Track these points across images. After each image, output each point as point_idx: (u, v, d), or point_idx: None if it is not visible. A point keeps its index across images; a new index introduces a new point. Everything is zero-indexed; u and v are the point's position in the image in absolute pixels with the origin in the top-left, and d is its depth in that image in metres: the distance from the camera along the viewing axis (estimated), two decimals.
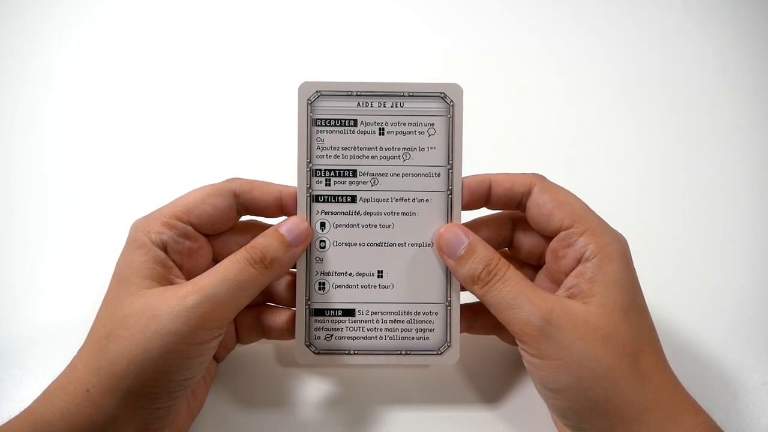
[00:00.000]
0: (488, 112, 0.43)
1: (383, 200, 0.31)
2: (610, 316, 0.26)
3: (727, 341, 0.36)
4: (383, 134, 0.30)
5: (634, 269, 0.28)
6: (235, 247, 0.29)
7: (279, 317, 0.32)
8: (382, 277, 0.31)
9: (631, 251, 0.29)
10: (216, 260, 0.31)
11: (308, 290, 0.31)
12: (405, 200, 0.31)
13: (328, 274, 0.31)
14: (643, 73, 0.47)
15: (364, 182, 0.31)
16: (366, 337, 0.31)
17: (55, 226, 0.40)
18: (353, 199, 0.31)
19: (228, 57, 0.48)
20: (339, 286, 0.31)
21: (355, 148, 0.30)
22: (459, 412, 0.33)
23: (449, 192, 0.30)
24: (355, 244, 0.31)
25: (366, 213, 0.31)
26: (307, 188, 0.31)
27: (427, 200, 0.30)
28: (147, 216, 0.30)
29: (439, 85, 0.30)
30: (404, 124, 0.30)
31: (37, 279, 0.38)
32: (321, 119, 0.30)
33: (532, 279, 0.32)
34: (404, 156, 0.30)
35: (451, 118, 0.30)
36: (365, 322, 0.31)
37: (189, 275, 0.29)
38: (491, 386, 0.34)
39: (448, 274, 0.31)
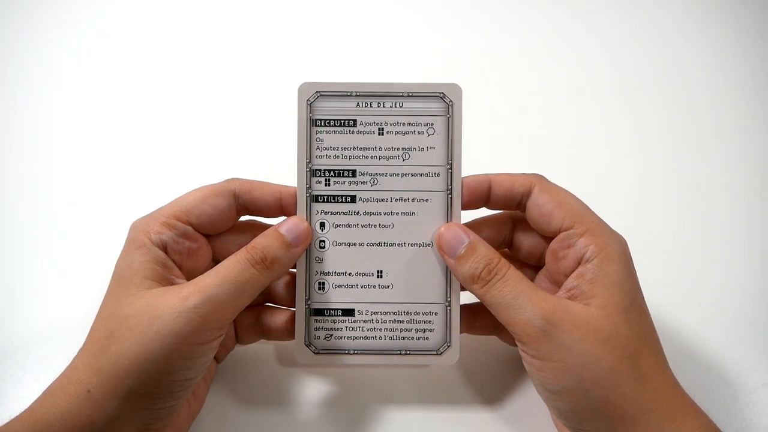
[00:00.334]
0: (488, 112, 0.43)
1: (383, 200, 0.31)
2: (611, 318, 0.26)
3: (727, 341, 0.36)
4: (382, 134, 0.30)
5: (635, 270, 0.28)
6: (235, 247, 0.29)
7: (278, 318, 0.32)
8: (381, 277, 0.31)
9: (631, 251, 0.29)
10: (215, 260, 0.31)
11: (308, 290, 0.31)
12: (404, 200, 0.31)
13: (327, 274, 0.31)
14: (643, 73, 0.47)
15: (363, 182, 0.31)
16: (365, 337, 0.31)
17: (55, 226, 0.40)
18: (353, 199, 0.31)
19: (228, 57, 0.48)
20: (338, 286, 0.31)
21: (354, 148, 0.30)
22: (458, 413, 0.33)
23: (449, 192, 0.30)
24: (355, 244, 0.31)
25: (365, 213, 0.31)
26: (307, 188, 0.31)
27: (426, 200, 0.30)
28: (146, 216, 0.30)
29: (438, 85, 0.30)
30: (403, 124, 0.30)
31: (37, 279, 0.38)
32: (320, 119, 0.30)
33: (531, 280, 0.32)
34: (404, 156, 0.30)
35: (450, 118, 0.30)
36: (365, 322, 0.31)
37: (189, 275, 0.29)
38: (491, 387, 0.34)
39: (448, 274, 0.31)
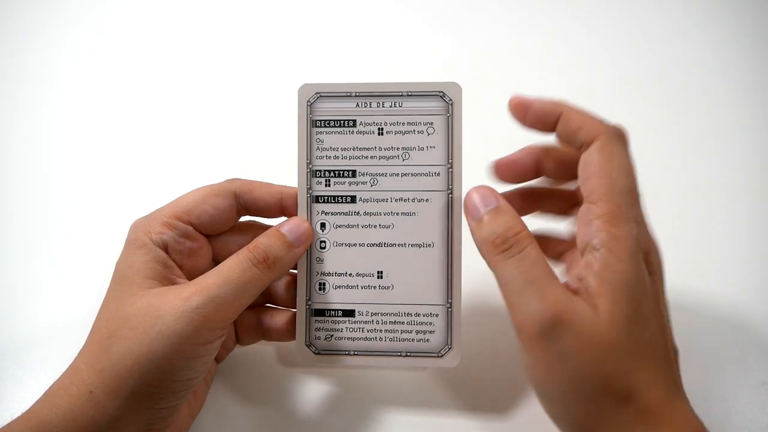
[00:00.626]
0: (488, 112, 0.43)
1: (383, 200, 0.31)
2: (615, 328, 0.24)
3: (727, 341, 0.36)
4: (382, 134, 0.30)
5: (645, 270, 0.26)
6: (235, 248, 0.29)
7: (279, 318, 0.32)
8: (382, 277, 0.31)
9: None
10: (216, 260, 0.31)
11: (309, 290, 0.31)
12: (405, 200, 0.31)
13: (328, 274, 0.31)
14: (643, 73, 0.47)
15: (363, 182, 0.31)
16: (366, 338, 0.31)
17: (55, 226, 0.40)
18: (353, 199, 0.31)
19: (228, 58, 0.48)
20: (339, 287, 0.31)
21: (354, 149, 0.30)
22: (459, 416, 0.33)
23: (449, 191, 0.30)
24: (355, 245, 0.31)
25: (366, 213, 0.31)
26: (308, 189, 0.31)
27: (427, 200, 0.30)
28: (147, 216, 0.30)
29: (438, 84, 0.30)
30: (403, 124, 0.30)
31: (37, 279, 0.38)
32: (320, 120, 0.30)
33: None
34: (403, 156, 0.30)
35: (450, 117, 0.30)
36: (365, 322, 0.31)
37: (189, 275, 0.29)
38: (492, 390, 0.34)
39: (449, 275, 0.30)
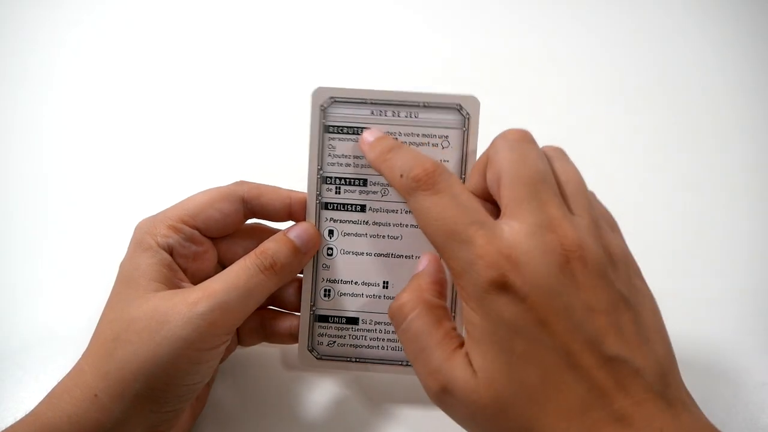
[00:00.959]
0: (488, 111, 0.43)
1: (392, 211, 0.30)
2: (494, 387, 0.22)
3: (727, 341, 0.36)
4: None
5: (506, 308, 0.22)
6: (241, 251, 0.29)
7: (283, 322, 0.32)
8: (387, 288, 0.31)
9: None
10: (221, 263, 0.31)
11: (314, 296, 0.31)
12: None
13: (334, 281, 0.31)
14: (643, 73, 0.47)
15: (374, 192, 0.30)
16: (368, 346, 0.31)
17: (55, 226, 0.40)
18: (362, 208, 0.30)
19: (238, 58, 0.47)
20: (344, 294, 0.31)
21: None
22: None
23: None
24: (363, 254, 0.31)
25: (374, 223, 0.30)
26: (317, 195, 0.30)
27: None
28: (153, 217, 0.29)
29: (456, 97, 0.30)
30: (418, 135, 0.30)
31: (37, 279, 0.38)
32: (333, 126, 0.30)
33: None
34: None
35: (466, 131, 0.30)
36: (368, 331, 0.31)
37: (194, 278, 0.29)
38: None
39: (454, 288, 0.30)
